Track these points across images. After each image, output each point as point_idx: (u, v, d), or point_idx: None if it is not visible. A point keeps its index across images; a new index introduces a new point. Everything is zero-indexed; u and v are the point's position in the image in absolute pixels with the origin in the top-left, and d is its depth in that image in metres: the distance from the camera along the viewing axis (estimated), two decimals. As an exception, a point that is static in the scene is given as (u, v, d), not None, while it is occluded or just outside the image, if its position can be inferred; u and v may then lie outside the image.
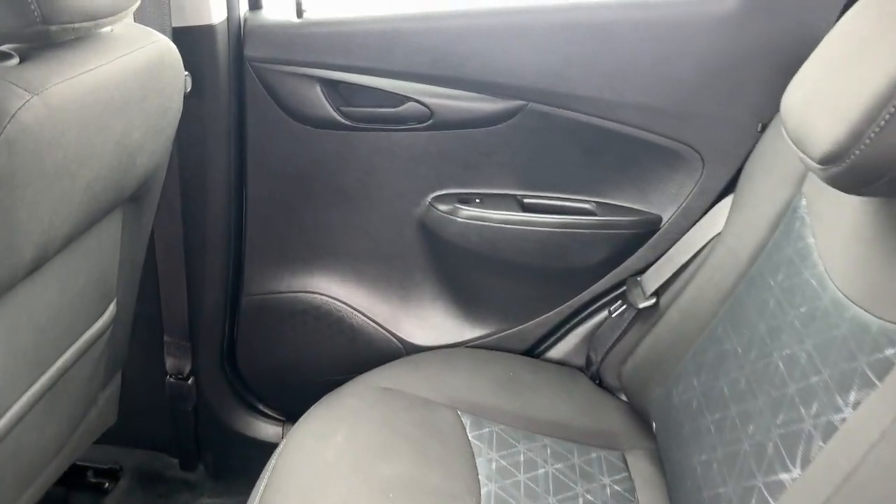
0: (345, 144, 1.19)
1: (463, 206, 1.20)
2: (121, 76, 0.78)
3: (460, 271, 1.28)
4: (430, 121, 1.15)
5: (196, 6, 1.03)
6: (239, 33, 1.13)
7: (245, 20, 1.13)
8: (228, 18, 1.09)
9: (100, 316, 1.04)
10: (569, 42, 1.09)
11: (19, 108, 0.64)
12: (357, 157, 1.20)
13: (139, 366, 1.29)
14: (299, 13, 1.12)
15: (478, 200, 1.21)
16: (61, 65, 0.71)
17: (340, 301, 1.31)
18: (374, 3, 1.16)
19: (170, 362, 1.32)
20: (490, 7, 1.12)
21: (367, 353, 1.32)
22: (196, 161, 1.16)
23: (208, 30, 1.06)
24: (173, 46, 0.91)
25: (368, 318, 1.31)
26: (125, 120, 0.81)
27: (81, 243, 0.89)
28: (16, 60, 0.69)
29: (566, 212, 1.19)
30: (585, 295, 1.24)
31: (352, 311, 1.31)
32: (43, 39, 0.68)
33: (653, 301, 1.11)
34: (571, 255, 1.20)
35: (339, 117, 1.16)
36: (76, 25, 0.69)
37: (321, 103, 1.15)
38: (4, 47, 0.70)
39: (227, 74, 1.12)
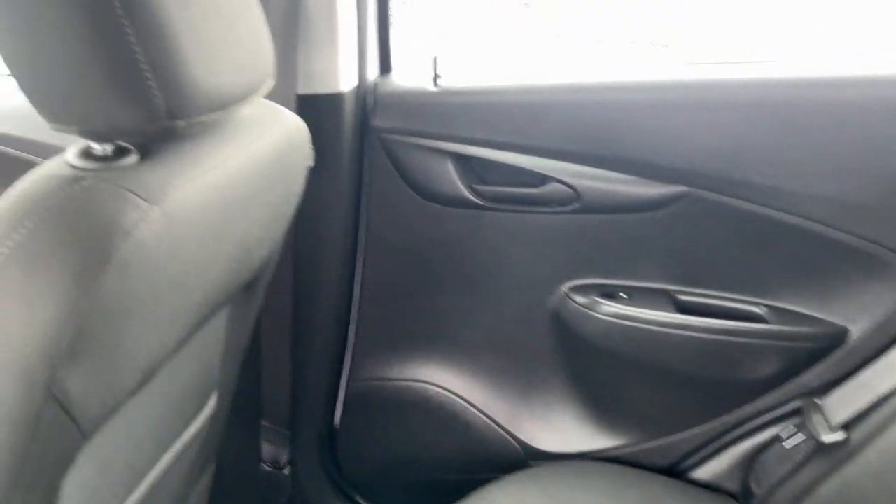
0: (474, 224, 1.06)
1: (605, 301, 1.04)
2: (246, 170, 0.67)
3: (596, 372, 1.11)
4: (575, 204, 1.00)
5: (326, 73, 0.93)
6: (367, 101, 1.02)
7: (375, 87, 1.02)
8: (358, 85, 0.98)
9: (200, 412, 0.93)
10: (746, 122, 0.93)
11: (137, 223, 0.52)
12: (486, 238, 1.07)
13: (233, 452, 1.18)
14: (435, 81, 1.00)
15: (623, 295, 1.05)
16: (184, 162, 0.60)
17: (455, 394, 1.17)
18: (520, 70, 1.03)
19: (266, 449, 1.21)
20: (653, 80, 0.97)
21: (482, 455, 1.17)
22: (311, 236, 1.05)
23: (336, 98, 0.95)
24: (302, 124, 0.80)
25: (485, 415, 1.17)
26: (247, 218, 0.69)
27: (184, 345, 0.78)
28: (135, 158, 0.58)
29: (731, 315, 1.01)
30: (746, 410, 1.05)
31: (467, 406, 1.17)
32: (168, 136, 0.57)
33: (841, 436, 0.92)
34: (734, 366, 1.02)
35: (470, 196, 1.03)
36: (205, 118, 0.59)
37: (452, 180, 1.03)
38: (122, 141, 0.59)
39: (352, 145, 1.01)
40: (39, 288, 0.50)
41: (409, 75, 1.05)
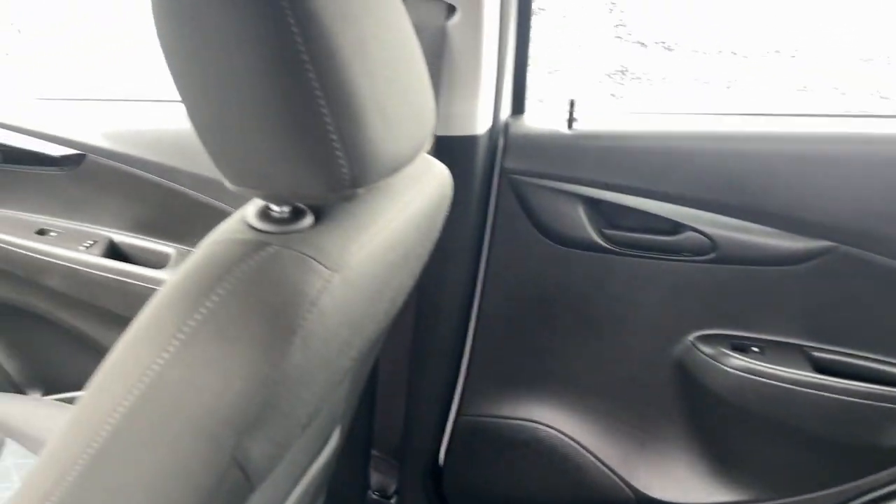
0: (600, 268, 1.04)
1: (736, 354, 1.00)
2: (407, 228, 0.67)
3: (719, 425, 1.08)
4: (712, 254, 0.97)
5: (464, 116, 0.92)
6: (499, 142, 1.01)
7: (506, 127, 1.01)
8: (491, 126, 0.98)
9: (326, 446, 0.94)
10: None
11: (321, 293, 0.53)
12: (612, 283, 1.05)
13: (343, 479, 1.19)
14: (570, 124, 0.99)
15: (755, 349, 1.01)
16: (356, 225, 0.60)
17: (567, 436, 1.15)
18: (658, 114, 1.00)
19: (375, 478, 1.22)
20: (800, 132, 0.93)
21: (593, 499, 1.15)
22: (435, 274, 1.05)
23: (471, 140, 0.95)
24: (447, 172, 0.80)
25: (598, 459, 1.14)
26: (403, 275, 0.70)
27: None
28: (310, 220, 0.59)
29: (873, 378, 0.96)
30: (882, 476, 1.00)
31: (579, 448, 1.15)
32: (345, 200, 0.58)
33: None
34: (873, 431, 0.97)
35: (599, 240, 1.01)
36: (380, 183, 0.59)
37: (581, 223, 1.01)
38: (300, 203, 0.60)
39: (481, 186, 1.00)
40: (230, 358, 0.51)
41: (540, 117, 1.03)
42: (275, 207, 0.59)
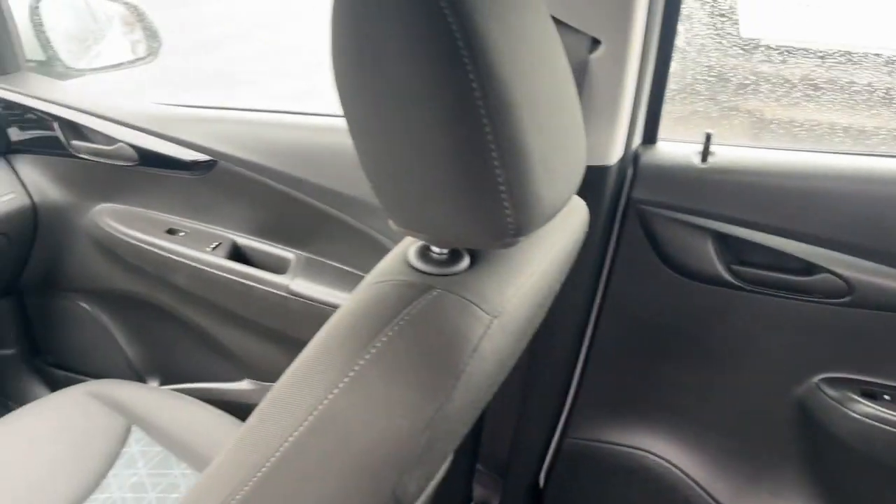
0: (726, 303, 1.02)
1: (865, 400, 0.97)
2: (552, 269, 0.68)
3: (841, 472, 1.05)
4: (847, 297, 0.94)
5: (599, 147, 0.92)
6: (628, 172, 1.00)
7: (636, 157, 1.00)
8: (622, 156, 0.97)
9: (443, 464, 0.96)
10: None
11: (481, 338, 0.54)
12: (737, 318, 1.03)
13: (446, 490, 1.21)
14: (705, 157, 0.97)
15: (887, 397, 0.97)
16: (510, 270, 0.62)
17: (677, 467, 1.14)
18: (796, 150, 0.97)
19: (478, 492, 1.23)
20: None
21: (699, 533, 1.14)
22: (555, 298, 1.06)
23: (602, 171, 0.94)
24: (585, 208, 0.80)
25: (707, 493, 1.13)
26: (542, 312, 0.71)
27: None
28: (467, 261, 0.61)
29: None
30: None
31: (688, 480, 1.14)
32: (505, 248, 0.59)
33: None
34: None
35: (727, 275, 0.99)
36: (538, 230, 0.60)
37: (709, 257, 0.99)
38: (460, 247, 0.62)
39: (608, 215, 1.00)
40: (397, 400, 0.53)
41: (673, 148, 1.02)
42: (435, 249, 0.61)
